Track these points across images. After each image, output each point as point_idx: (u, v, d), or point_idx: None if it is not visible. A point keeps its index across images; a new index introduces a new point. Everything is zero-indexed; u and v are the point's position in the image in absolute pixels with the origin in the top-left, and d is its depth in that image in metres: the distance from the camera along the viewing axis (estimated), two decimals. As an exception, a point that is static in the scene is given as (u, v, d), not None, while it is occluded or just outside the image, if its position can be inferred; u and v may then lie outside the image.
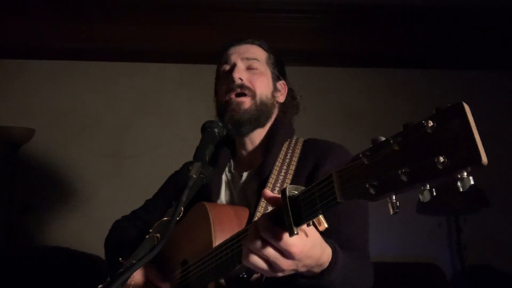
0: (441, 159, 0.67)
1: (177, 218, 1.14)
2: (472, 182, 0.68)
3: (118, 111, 3.71)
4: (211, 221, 1.29)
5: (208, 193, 1.49)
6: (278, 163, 1.45)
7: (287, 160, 1.46)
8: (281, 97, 1.61)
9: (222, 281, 1.21)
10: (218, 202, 1.51)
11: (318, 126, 3.67)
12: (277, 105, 1.59)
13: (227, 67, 1.55)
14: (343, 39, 3.70)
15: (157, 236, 1.13)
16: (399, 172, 0.71)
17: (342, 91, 3.81)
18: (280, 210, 0.92)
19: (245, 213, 1.37)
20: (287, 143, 1.53)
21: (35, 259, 3.00)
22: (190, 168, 1.26)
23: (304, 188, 0.91)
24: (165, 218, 1.17)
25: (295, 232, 0.88)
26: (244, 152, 1.57)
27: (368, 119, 3.76)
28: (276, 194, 0.99)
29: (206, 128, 1.43)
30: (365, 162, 0.77)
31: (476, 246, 3.46)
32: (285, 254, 0.92)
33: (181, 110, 3.71)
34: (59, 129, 3.64)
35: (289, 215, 0.89)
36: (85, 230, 3.47)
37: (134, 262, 1.08)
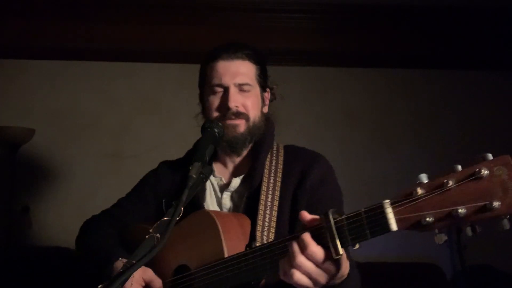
0: (495, 203, 0.82)
1: (177, 218, 1.15)
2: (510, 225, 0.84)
3: (118, 111, 3.70)
4: (220, 229, 1.30)
5: (194, 196, 1.49)
6: (266, 171, 1.50)
7: (273, 167, 1.52)
8: (266, 107, 1.64)
9: None
10: (205, 206, 1.53)
11: (318, 126, 3.67)
12: (263, 118, 1.61)
13: (218, 89, 1.55)
14: (343, 39, 3.70)
15: (157, 236, 1.13)
16: (456, 210, 0.85)
17: (342, 91, 3.81)
18: (320, 231, 1.01)
19: (246, 221, 1.41)
20: (270, 149, 1.58)
21: (35, 259, 3.00)
22: (190, 168, 1.26)
23: (344, 213, 1.00)
24: (165, 218, 1.17)
25: (341, 253, 0.98)
26: (229, 159, 1.60)
27: (368, 119, 3.76)
28: (311, 216, 1.07)
29: (206, 128, 1.44)
30: (423, 197, 0.89)
31: (476, 246, 3.46)
32: (327, 271, 1.02)
33: (181, 110, 3.70)
34: (59, 129, 3.64)
35: (335, 238, 0.98)
36: (85, 230, 3.47)
37: (134, 262, 1.08)
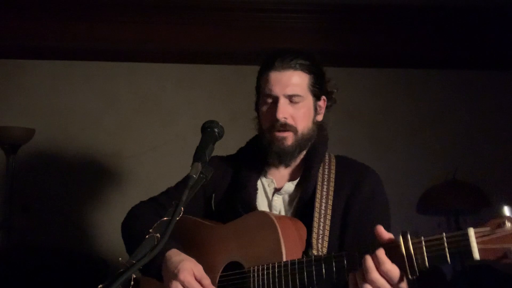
0: None
1: (177, 218, 1.15)
2: None
3: (118, 111, 3.71)
4: (280, 232, 1.32)
5: (245, 196, 1.53)
6: (319, 180, 1.53)
7: (325, 176, 1.55)
8: (320, 116, 1.64)
9: None
10: (257, 206, 1.55)
11: (318, 126, 3.67)
12: (316, 125, 1.63)
13: (269, 100, 1.57)
14: (343, 39, 3.70)
15: (157, 236, 1.14)
16: None
17: (342, 91, 3.79)
18: (397, 249, 1.02)
19: (302, 227, 1.43)
20: (323, 159, 1.60)
21: (35, 259, 3.00)
22: (190, 167, 1.27)
23: (421, 236, 1.02)
24: (165, 218, 1.17)
25: (417, 274, 1.01)
26: (281, 166, 1.62)
27: (368, 119, 3.76)
28: (388, 234, 1.09)
29: (206, 128, 1.44)
30: (510, 230, 0.89)
31: (476, 246, 3.46)
32: None
33: (181, 110, 3.71)
34: (59, 129, 3.64)
35: (412, 258, 1.00)
36: (85, 230, 3.47)
37: (134, 262, 1.08)
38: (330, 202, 1.48)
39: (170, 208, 1.21)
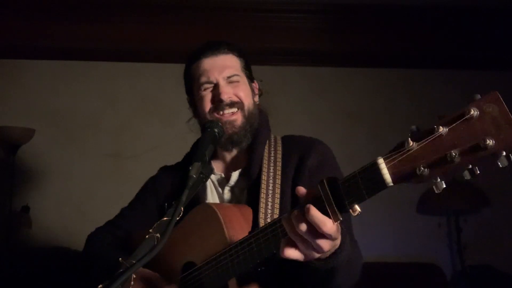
0: (488, 141, 0.77)
1: (177, 218, 1.15)
2: (509, 161, 0.79)
3: (118, 111, 3.71)
4: (222, 221, 1.29)
5: (195, 197, 1.46)
6: (265, 162, 1.50)
7: (272, 158, 1.51)
8: (256, 98, 1.63)
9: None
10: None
11: (318, 126, 3.67)
12: (257, 106, 1.61)
13: (208, 86, 1.53)
14: (343, 39, 3.70)
15: (157, 236, 1.13)
16: (450, 154, 0.81)
17: (342, 91, 3.81)
18: (318, 200, 0.96)
19: (247, 210, 1.40)
20: (268, 141, 1.57)
21: (35, 259, 3.00)
22: (190, 168, 1.26)
23: (338, 180, 0.95)
24: (165, 218, 1.17)
25: (340, 218, 0.94)
26: (227, 154, 1.58)
27: (368, 119, 3.76)
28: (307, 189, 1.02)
29: (206, 128, 1.44)
30: (414, 147, 0.85)
31: (476, 246, 3.46)
32: (329, 238, 0.98)
33: (181, 110, 3.68)
34: (59, 129, 3.64)
35: (332, 203, 0.94)
36: (85, 230, 3.46)
37: (134, 262, 1.08)
38: (278, 182, 1.44)
39: (170, 208, 1.21)
